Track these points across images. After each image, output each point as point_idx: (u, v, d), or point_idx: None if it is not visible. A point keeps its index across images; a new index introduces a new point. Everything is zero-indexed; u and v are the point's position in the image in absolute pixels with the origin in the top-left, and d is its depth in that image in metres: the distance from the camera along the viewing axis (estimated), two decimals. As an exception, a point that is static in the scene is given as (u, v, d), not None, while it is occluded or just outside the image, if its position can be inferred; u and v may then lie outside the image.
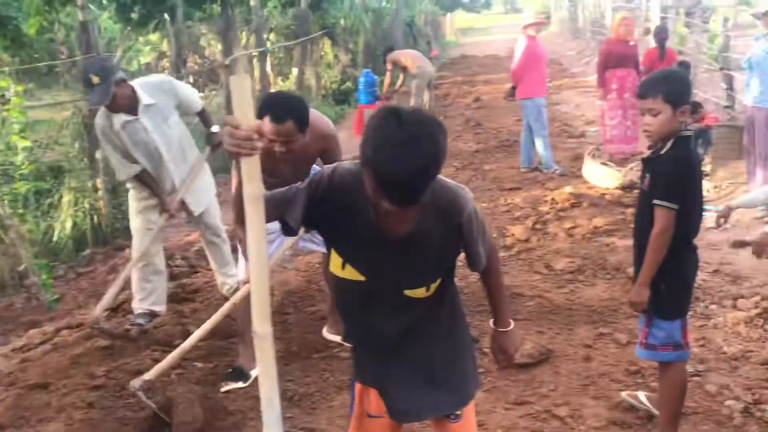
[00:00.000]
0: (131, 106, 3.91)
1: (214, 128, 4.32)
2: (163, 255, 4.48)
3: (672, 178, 2.61)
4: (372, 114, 1.73)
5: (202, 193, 4.30)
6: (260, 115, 2.93)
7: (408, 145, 1.60)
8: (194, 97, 4.37)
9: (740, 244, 5.19)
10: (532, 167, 7.81)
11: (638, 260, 2.79)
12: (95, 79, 3.77)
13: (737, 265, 4.86)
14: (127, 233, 6.27)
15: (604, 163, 7.12)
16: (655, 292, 2.69)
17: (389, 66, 10.70)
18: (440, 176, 1.78)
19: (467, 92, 14.98)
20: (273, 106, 3.01)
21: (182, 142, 4.19)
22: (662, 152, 2.66)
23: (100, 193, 6.34)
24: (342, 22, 14.25)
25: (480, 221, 1.93)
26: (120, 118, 3.91)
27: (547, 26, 8.12)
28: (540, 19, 7.60)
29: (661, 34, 7.99)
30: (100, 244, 6.28)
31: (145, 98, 3.95)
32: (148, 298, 4.28)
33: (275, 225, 1.91)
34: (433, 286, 1.91)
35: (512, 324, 2.16)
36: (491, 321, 2.17)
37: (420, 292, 1.89)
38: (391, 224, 1.80)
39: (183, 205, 4.16)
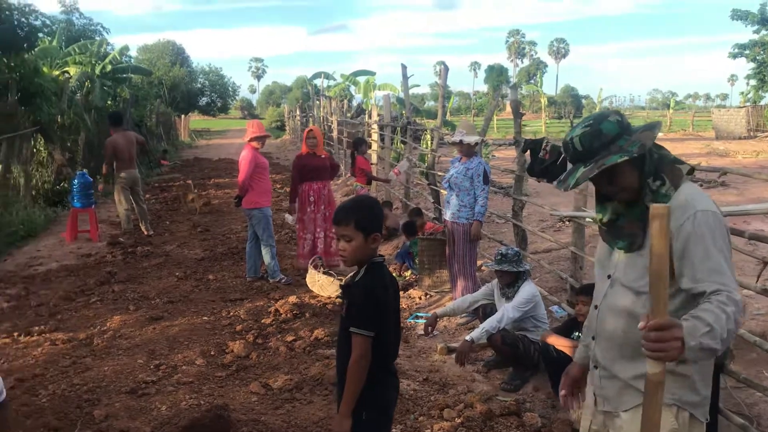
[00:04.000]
0: None
1: None
2: None
3: (366, 306, 2.63)
4: None
5: None
6: None
7: None
8: None
9: (446, 351, 5.51)
10: (258, 276, 7.71)
11: (341, 385, 2.73)
12: None
13: (444, 373, 5.12)
14: None
15: (326, 272, 7.26)
16: (356, 421, 2.64)
17: (109, 150, 10.10)
18: None
19: (198, 196, 14.64)
20: None
21: None
22: (357, 279, 2.69)
23: None
24: (58, 118, 13.24)
25: None
26: None
27: (269, 138, 8.18)
28: (264, 132, 7.72)
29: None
30: None
31: None
32: None
33: None
34: None
35: None
36: None
37: None
38: None
39: None
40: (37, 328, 6.01)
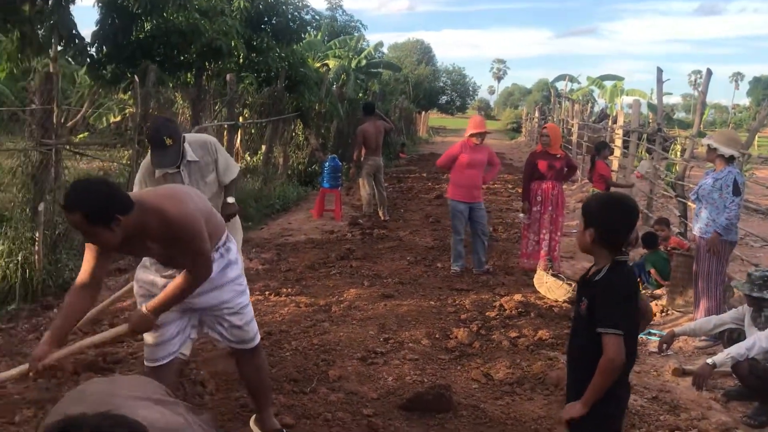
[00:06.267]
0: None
1: (230, 199, 4.52)
2: None
3: (612, 303, 2.55)
4: None
5: None
6: None
7: None
8: (231, 166, 4.49)
9: (680, 373, 5.13)
10: (483, 271, 7.77)
11: (573, 381, 2.69)
12: (168, 141, 3.90)
13: (676, 394, 4.78)
14: (59, 291, 6.03)
15: (554, 275, 7.12)
16: (591, 413, 2.57)
17: (359, 137, 10.76)
18: None
19: (430, 188, 15.18)
20: (68, 192, 2.67)
21: (215, 200, 4.27)
22: (600, 276, 2.60)
23: (37, 246, 6.08)
24: (316, 106, 14.47)
25: None
26: (162, 169, 4.04)
27: (488, 134, 8.22)
28: (480, 129, 7.77)
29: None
30: (29, 300, 5.95)
31: (189, 154, 4.12)
32: None
33: None
34: None
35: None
36: None
37: None
38: None
39: None
40: (284, 290, 6.67)
